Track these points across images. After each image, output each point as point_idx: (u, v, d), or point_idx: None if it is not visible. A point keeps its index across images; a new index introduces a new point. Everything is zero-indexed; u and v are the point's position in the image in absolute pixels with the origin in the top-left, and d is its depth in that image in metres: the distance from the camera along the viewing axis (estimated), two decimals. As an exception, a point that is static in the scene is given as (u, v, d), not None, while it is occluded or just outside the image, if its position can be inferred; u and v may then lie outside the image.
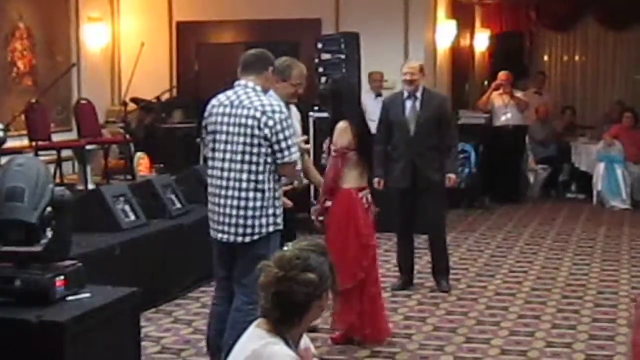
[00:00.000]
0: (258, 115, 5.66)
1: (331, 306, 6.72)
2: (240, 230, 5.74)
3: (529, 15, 17.09)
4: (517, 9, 17.17)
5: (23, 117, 10.53)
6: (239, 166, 5.71)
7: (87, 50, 13.10)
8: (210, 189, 5.91)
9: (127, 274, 7.07)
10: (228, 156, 5.74)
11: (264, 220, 5.74)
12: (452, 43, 14.45)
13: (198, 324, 7.45)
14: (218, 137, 5.80)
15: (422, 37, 13.15)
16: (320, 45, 11.90)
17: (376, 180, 8.39)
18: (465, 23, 15.51)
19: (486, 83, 16.10)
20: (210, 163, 5.91)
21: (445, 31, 14.07)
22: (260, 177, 5.70)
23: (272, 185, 5.75)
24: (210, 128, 5.87)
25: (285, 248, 3.34)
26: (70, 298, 5.16)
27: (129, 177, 10.98)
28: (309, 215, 11.47)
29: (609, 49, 17.01)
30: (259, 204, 5.71)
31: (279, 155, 5.69)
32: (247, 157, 5.69)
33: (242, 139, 5.69)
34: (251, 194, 5.70)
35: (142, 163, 11.25)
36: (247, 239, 5.75)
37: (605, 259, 10.11)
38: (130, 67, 12.67)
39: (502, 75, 14.22)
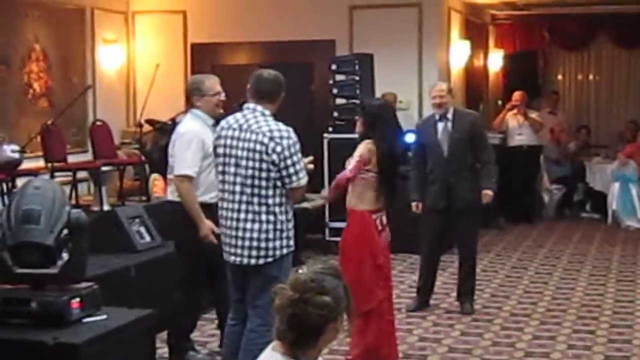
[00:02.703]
0: (266, 140, 5.69)
1: (346, 328, 6.71)
2: (254, 253, 5.77)
3: (542, 35, 17.07)
4: (530, 29, 17.16)
5: (39, 138, 10.59)
6: (249, 190, 5.73)
7: (102, 72, 13.18)
8: (221, 212, 5.93)
9: (142, 296, 7.07)
10: (238, 180, 5.77)
11: (277, 243, 5.77)
12: (466, 63, 14.46)
13: (213, 345, 7.45)
14: (227, 160, 5.83)
15: (435, 57, 13.17)
16: (334, 66, 11.93)
17: (414, 204, 8.42)
18: (478, 43, 15.52)
19: (500, 103, 16.09)
20: (220, 186, 5.93)
21: (459, 51, 14.08)
22: (271, 200, 5.73)
23: (283, 208, 5.78)
24: (219, 151, 5.91)
25: (300, 271, 3.35)
26: (86, 320, 5.17)
27: (144, 198, 11.01)
28: (323, 236, 11.57)
29: (622, 68, 16.98)
30: (271, 226, 5.74)
31: (287, 180, 5.72)
32: (256, 182, 5.72)
33: (250, 163, 5.72)
34: (263, 217, 5.73)
35: (157, 184, 11.27)
36: (261, 261, 5.77)
37: (621, 278, 10.08)
38: (145, 88, 12.76)
39: (517, 95, 14.23)
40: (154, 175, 11.39)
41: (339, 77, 11.94)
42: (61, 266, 5.15)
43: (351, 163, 6.73)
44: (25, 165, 9.84)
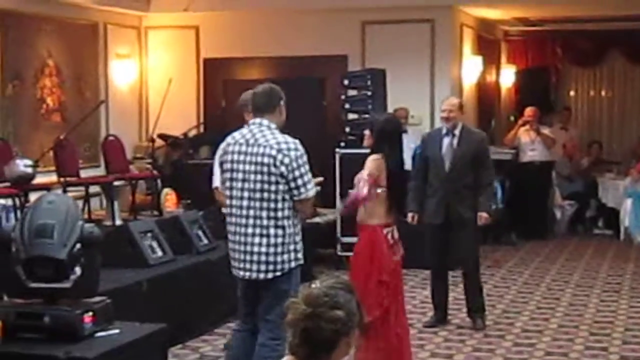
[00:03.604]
0: (273, 153, 5.72)
1: (358, 343, 6.70)
2: (263, 267, 5.79)
3: (554, 51, 17.07)
4: (542, 45, 17.17)
5: (52, 153, 10.61)
6: (257, 204, 5.76)
7: (115, 87, 13.22)
8: (229, 227, 5.96)
9: (154, 310, 7.09)
10: (246, 194, 5.80)
11: (285, 257, 5.80)
12: (478, 79, 14.47)
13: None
14: (234, 175, 5.87)
15: (447, 72, 13.18)
16: (346, 82, 11.96)
17: (410, 215, 8.42)
18: (490, 59, 15.53)
19: (512, 118, 16.07)
20: (228, 201, 5.96)
21: (471, 67, 14.09)
22: (279, 214, 5.76)
23: (291, 221, 5.81)
24: (226, 166, 5.95)
25: (313, 285, 3.36)
26: (99, 334, 5.19)
27: (156, 212, 11.03)
28: (335, 251, 11.57)
29: (635, 83, 16.95)
30: (280, 240, 5.77)
31: (295, 192, 5.75)
32: (265, 195, 5.75)
33: (259, 177, 5.75)
34: (272, 231, 5.76)
35: (169, 199, 11.30)
36: (270, 275, 5.80)
37: (633, 295, 10.05)
38: (158, 103, 12.79)
39: (529, 111, 14.23)
40: (166, 190, 11.41)
41: (351, 92, 11.97)
42: (74, 280, 5.17)
43: (361, 182, 6.75)
44: (38, 179, 9.86)
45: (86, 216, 10.02)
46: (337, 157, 11.42)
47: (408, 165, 9.18)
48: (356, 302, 3.34)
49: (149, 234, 8.40)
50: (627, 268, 11.70)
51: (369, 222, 6.85)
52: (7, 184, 9.53)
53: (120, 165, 11.45)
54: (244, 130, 5.93)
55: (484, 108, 15.12)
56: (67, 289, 5.16)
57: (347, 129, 11.73)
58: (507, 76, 16.66)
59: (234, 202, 5.87)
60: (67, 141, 10.82)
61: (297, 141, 5.88)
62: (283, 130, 5.97)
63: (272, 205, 5.75)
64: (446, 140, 8.59)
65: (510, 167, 14.04)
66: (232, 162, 5.89)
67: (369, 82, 11.82)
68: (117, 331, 5.30)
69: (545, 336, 8.32)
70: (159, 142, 12.40)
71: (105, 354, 4.96)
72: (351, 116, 11.90)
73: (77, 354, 4.85)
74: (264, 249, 5.77)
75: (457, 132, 8.58)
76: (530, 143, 14.15)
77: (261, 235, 5.77)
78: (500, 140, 14.83)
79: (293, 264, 5.83)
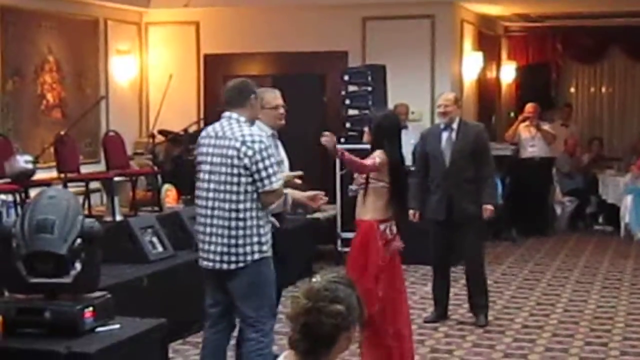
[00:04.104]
0: (237, 145, 5.82)
1: (358, 338, 6.71)
2: (225, 258, 5.88)
3: (555, 47, 17.06)
4: (543, 41, 17.16)
5: (52, 149, 10.61)
6: (221, 195, 5.86)
7: (115, 83, 13.21)
8: (197, 218, 6.08)
9: (154, 305, 7.09)
10: (212, 186, 5.90)
11: (248, 248, 5.86)
12: (478, 75, 14.46)
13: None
14: (203, 167, 5.99)
15: (448, 69, 13.17)
16: (346, 78, 11.95)
17: (411, 212, 8.41)
18: (491, 55, 15.52)
19: (512, 114, 16.07)
20: (196, 193, 6.08)
21: (472, 63, 14.08)
22: (241, 206, 5.83)
23: (254, 214, 5.86)
24: (198, 159, 6.08)
25: (314, 279, 3.36)
26: (99, 329, 5.20)
27: (156, 208, 11.02)
28: (335, 247, 11.58)
29: (635, 80, 16.93)
30: (240, 232, 5.84)
31: (259, 184, 5.83)
32: (228, 187, 5.84)
33: (223, 169, 5.85)
34: (233, 223, 5.84)
35: (169, 194, 11.28)
36: (232, 266, 5.87)
37: (633, 291, 10.05)
38: (158, 99, 12.78)
39: (529, 107, 14.22)
40: (167, 186, 11.39)
41: (352, 88, 11.96)
42: (74, 276, 5.17)
43: (369, 160, 6.75)
44: (39, 175, 9.85)
45: (86, 212, 10.01)
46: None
47: (408, 161, 9.19)
48: (356, 297, 3.35)
49: (150, 230, 8.42)
50: (627, 264, 11.71)
51: (365, 217, 6.86)
52: (8, 180, 9.52)
53: (121, 161, 11.44)
54: (216, 124, 6.05)
55: (484, 104, 15.12)
56: (68, 284, 5.17)
57: (348, 125, 11.72)
58: (508, 72, 16.65)
59: (201, 193, 5.99)
60: (68, 137, 10.81)
61: (262, 134, 6.02)
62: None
63: (234, 197, 5.82)
64: (445, 135, 8.60)
65: (511, 163, 14.04)
66: (201, 154, 6.02)
67: (369, 78, 11.82)
68: (117, 326, 5.31)
69: (546, 332, 8.33)
70: (159, 138, 12.38)
71: (106, 349, 4.97)
72: (351, 112, 11.89)
73: (78, 349, 4.86)
74: (225, 240, 5.85)
75: (455, 126, 8.59)
76: (530, 139, 14.15)
77: (222, 227, 5.85)
78: (501, 136, 14.84)
79: (257, 256, 5.88)
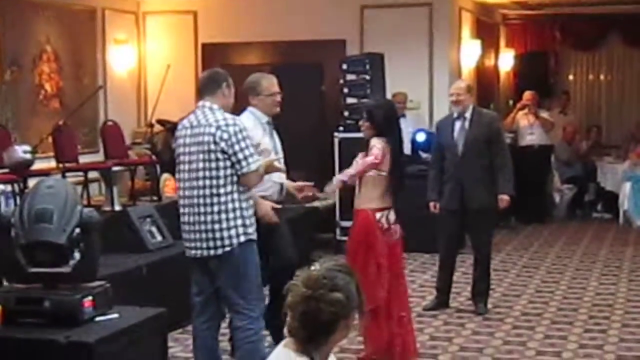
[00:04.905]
0: (212, 130, 5.84)
1: (358, 326, 6.71)
2: (211, 244, 5.88)
3: (553, 35, 17.04)
4: (541, 29, 17.14)
5: (50, 139, 10.61)
6: (200, 182, 5.88)
7: (113, 72, 13.20)
8: (180, 209, 6.08)
9: (153, 295, 7.10)
10: (192, 175, 5.92)
11: (232, 232, 5.87)
12: (477, 63, 14.44)
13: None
14: (182, 157, 6.02)
15: (446, 57, 13.15)
16: (344, 66, 11.94)
17: (431, 203, 8.42)
18: (489, 43, 15.51)
19: (511, 103, 16.06)
20: (177, 184, 6.13)
21: (470, 51, 14.07)
22: (222, 190, 5.84)
23: (236, 196, 5.87)
24: (177, 151, 6.12)
25: (312, 267, 3.36)
26: (98, 318, 5.21)
27: (155, 198, 11.03)
28: (334, 235, 11.58)
29: (634, 68, 16.93)
30: (223, 215, 5.85)
31: (237, 166, 5.84)
32: (207, 173, 5.85)
33: (201, 156, 5.87)
34: (215, 207, 5.84)
35: (168, 184, 11.29)
36: (219, 251, 5.87)
37: (632, 278, 10.06)
38: (156, 88, 12.77)
39: (527, 95, 14.23)
40: (165, 175, 11.40)
41: (350, 77, 11.95)
42: (74, 265, 5.18)
43: (374, 149, 6.74)
44: (37, 165, 9.85)
45: (85, 202, 10.02)
46: (336, 141, 11.41)
47: (407, 149, 9.20)
48: (355, 285, 3.35)
49: (148, 219, 8.42)
50: (626, 251, 11.72)
51: (363, 206, 6.87)
52: (6, 170, 9.52)
53: (119, 150, 11.45)
54: (191, 115, 6.07)
55: (482, 92, 15.08)
56: (67, 274, 5.18)
57: (346, 114, 11.72)
58: (506, 60, 16.64)
59: (182, 184, 6.02)
60: (66, 127, 10.81)
61: (236, 118, 6.04)
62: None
63: (215, 182, 5.83)
64: (458, 124, 8.54)
65: (509, 151, 14.01)
66: (179, 146, 6.06)
67: (367, 67, 11.81)
68: (116, 315, 5.32)
69: (545, 319, 8.33)
70: (158, 128, 12.38)
71: (105, 338, 4.98)
72: (350, 101, 11.89)
73: (77, 338, 4.87)
74: (209, 226, 5.85)
75: (467, 114, 8.51)
76: (528, 127, 14.15)
77: (205, 214, 5.86)
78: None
79: (242, 239, 5.88)
